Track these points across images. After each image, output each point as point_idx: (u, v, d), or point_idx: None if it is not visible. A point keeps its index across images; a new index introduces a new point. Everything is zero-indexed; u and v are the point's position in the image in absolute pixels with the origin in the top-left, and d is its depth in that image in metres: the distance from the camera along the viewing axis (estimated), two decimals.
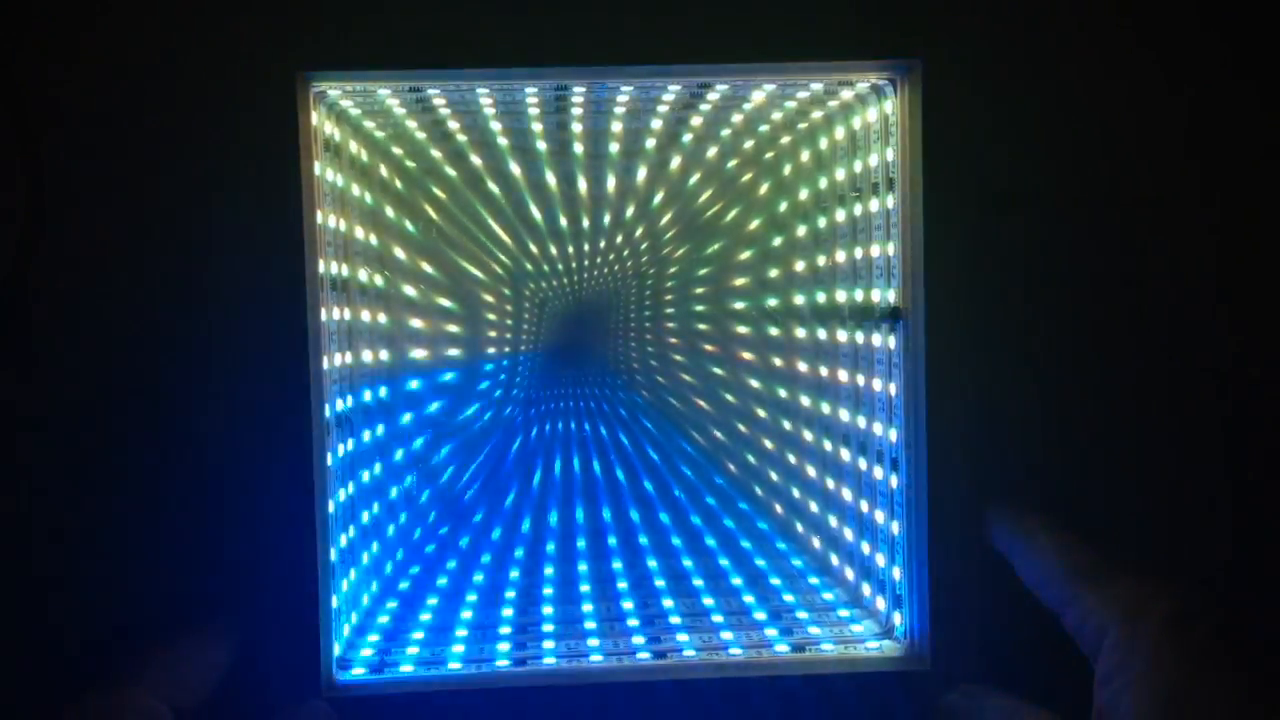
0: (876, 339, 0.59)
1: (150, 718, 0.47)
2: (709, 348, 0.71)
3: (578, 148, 0.67)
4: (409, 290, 0.67)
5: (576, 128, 0.64)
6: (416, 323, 0.67)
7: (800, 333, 0.68)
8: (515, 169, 0.67)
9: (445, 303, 0.68)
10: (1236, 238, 0.59)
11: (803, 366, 0.68)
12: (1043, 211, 0.57)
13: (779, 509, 0.72)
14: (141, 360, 0.56)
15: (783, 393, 0.70)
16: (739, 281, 0.70)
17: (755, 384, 0.71)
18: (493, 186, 0.67)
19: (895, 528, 0.58)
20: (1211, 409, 0.59)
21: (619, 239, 0.69)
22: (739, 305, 0.70)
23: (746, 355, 0.71)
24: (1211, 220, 0.59)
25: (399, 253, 0.66)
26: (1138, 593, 0.47)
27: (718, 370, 0.72)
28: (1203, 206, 0.59)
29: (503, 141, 0.66)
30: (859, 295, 0.61)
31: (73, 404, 0.56)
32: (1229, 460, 0.60)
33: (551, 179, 0.68)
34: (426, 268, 0.67)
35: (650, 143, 0.67)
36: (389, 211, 0.66)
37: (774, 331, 0.70)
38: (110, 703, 0.47)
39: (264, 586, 0.53)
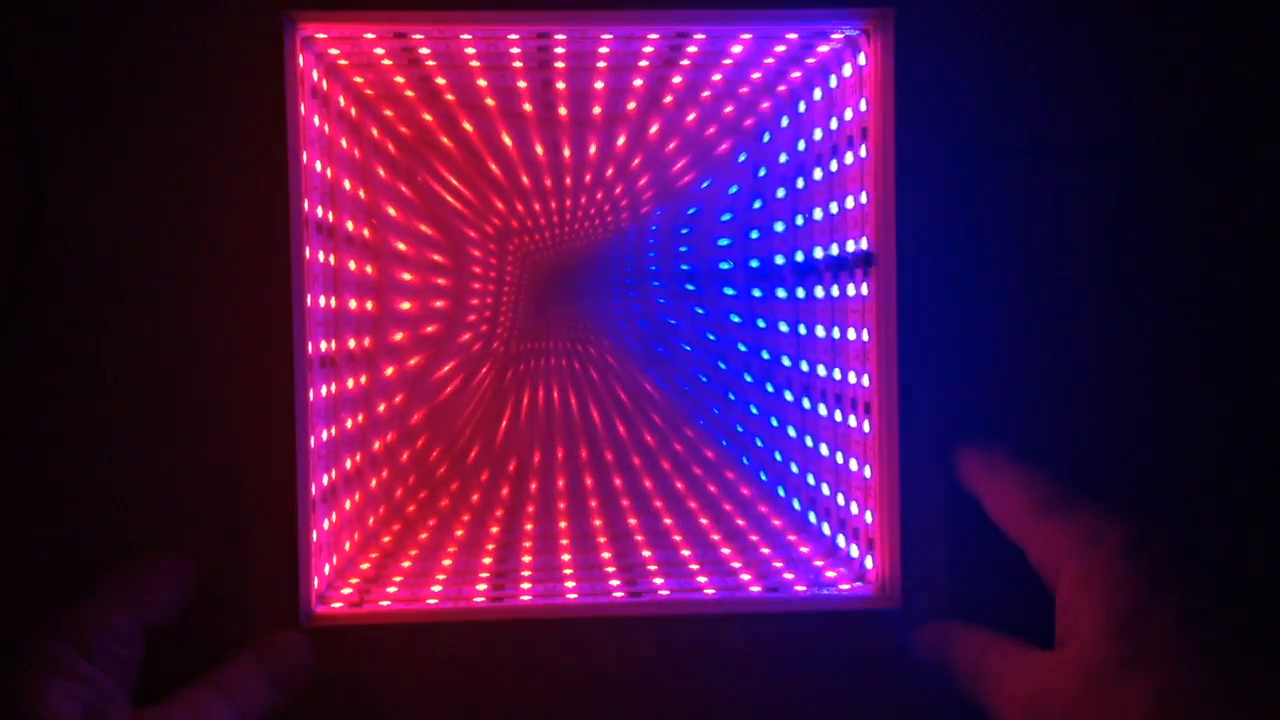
0: (851, 289, 0.60)
1: (116, 633, 0.48)
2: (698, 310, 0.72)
3: (562, 109, 0.68)
4: (399, 244, 0.68)
5: (560, 86, 0.66)
6: (405, 276, 0.69)
7: (781, 293, 0.69)
8: (503, 131, 0.69)
9: (436, 257, 0.70)
10: (1203, 183, 0.60)
11: (784, 327, 0.69)
12: (1012, 159, 0.58)
13: (763, 475, 0.72)
14: (128, 292, 0.57)
15: (765, 354, 0.71)
16: (721, 242, 0.72)
17: (742, 346, 0.72)
18: (477, 144, 0.69)
19: (868, 472, 0.58)
20: (1181, 350, 0.60)
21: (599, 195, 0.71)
22: (724, 265, 0.72)
23: (733, 317, 0.72)
24: (1179, 167, 0.60)
25: (390, 210, 0.68)
26: (1095, 521, 0.48)
27: (708, 335, 0.73)
28: (1171, 155, 0.60)
29: (490, 102, 0.67)
30: (835, 249, 0.62)
31: (63, 330, 0.58)
32: (1199, 399, 0.60)
33: (536, 140, 0.69)
34: (415, 223, 0.69)
35: (631, 105, 0.68)
36: (380, 171, 0.67)
37: (757, 293, 0.71)
38: (75, 618, 0.48)
39: (244, 517, 0.54)
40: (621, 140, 0.69)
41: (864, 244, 0.58)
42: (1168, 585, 0.45)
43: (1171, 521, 0.48)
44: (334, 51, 0.59)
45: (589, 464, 0.74)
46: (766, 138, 0.70)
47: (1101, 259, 0.60)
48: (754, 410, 0.73)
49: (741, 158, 0.71)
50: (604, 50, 0.60)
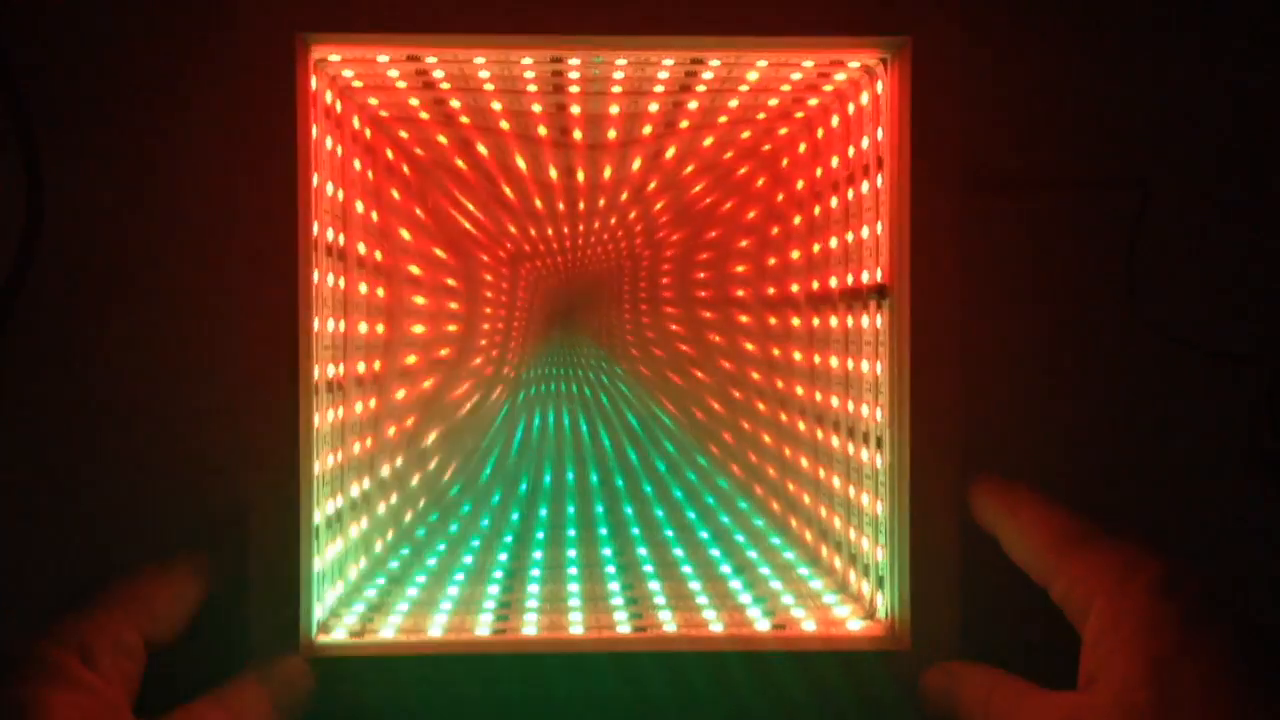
0: (865, 320, 0.59)
1: (119, 644, 0.48)
2: (716, 338, 0.72)
3: (577, 133, 0.68)
4: (411, 267, 0.68)
5: (575, 109, 0.65)
6: (418, 299, 0.68)
7: (795, 321, 0.69)
8: (517, 154, 0.68)
9: (448, 281, 0.69)
10: (1220, 213, 0.60)
11: (798, 356, 0.68)
12: (1028, 191, 0.58)
13: (775, 506, 0.71)
14: (135, 312, 0.57)
15: (780, 383, 0.70)
16: (739, 269, 0.71)
17: (756, 375, 0.72)
18: (491, 167, 0.68)
19: (879, 508, 0.57)
20: (1197, 385, 0.59)
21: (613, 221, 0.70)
22: (740, 293, 0.71)
23: (748, 346, 0.72)
24: (1195, 198, 0.59)
25: (403, 232, 0.67)
26: (1124, 558, 0.47)
27: (724, 362, 0.72)
28: (1187, 186, 0.59)
29: (504, 125, 0.67)
30: (850, 279, 0.61)
31: (68, 351, 0.58)
32: (1213, 434, 0.59)
33: (550, 163, 0.69)
34: (428, 246, 0.69)
35: (647, 129, 0.67)
36: (394, 193, 0.67)
37: (772, 321, 0.70)
38: (80, 629, 0.48)
39: (246, 539, 0.54)
40: (637, 164, 0.68)
41: (879, 275, 0.57)
42: (1202, 628, 0.44)
43: (1198, 560, 0.47)
44: (348, 74, 0.58)
45: (600, 490, 0.73)
46: (784, 163, 0.69)
47: (1118, 292, 0.59)
48: (767, 440, 0.72)
49: (760, 182, 0.70)
50: (619, 75, 0.59)
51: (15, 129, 0.57)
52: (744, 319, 0.71)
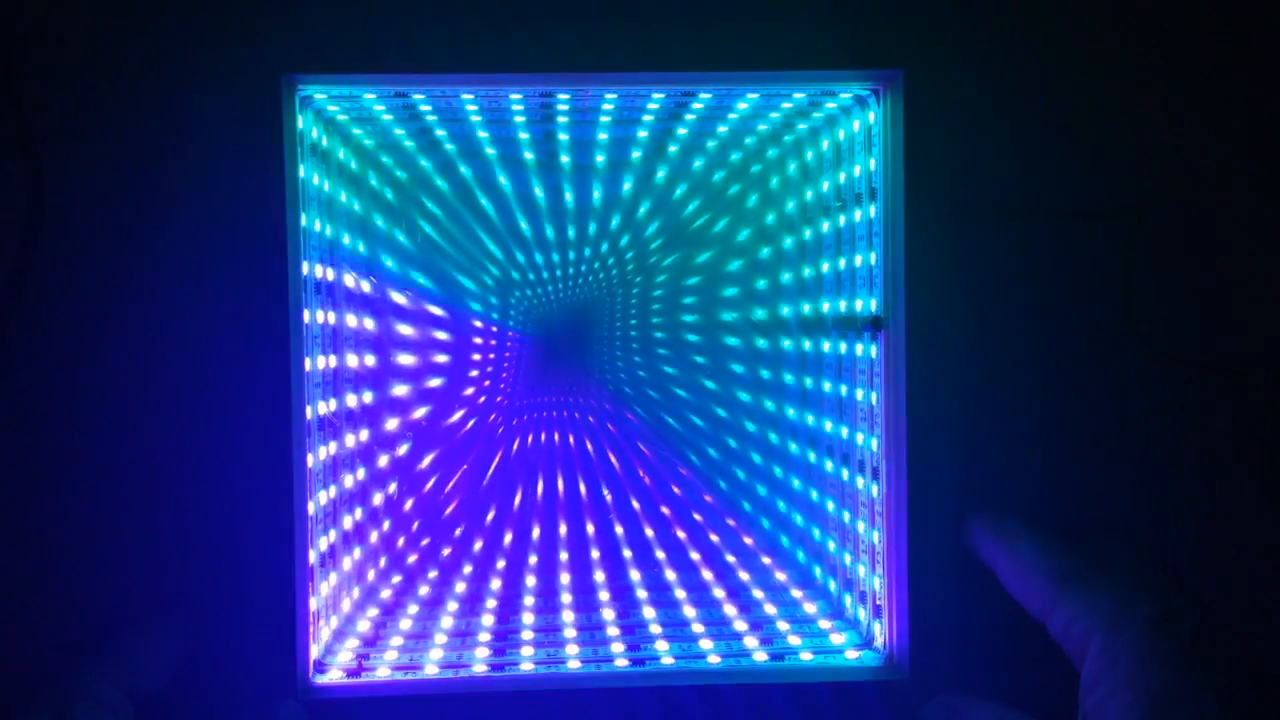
0: (859, 349, 0.59)
1: (100, 703, 0.48)
2: (698, 359, 0.71)
3: (564, 158, 0.67)
4: (397, 297, 0.67)
5: (563, 137, 0.65)
6: (404, 329, 0.68)
7: (786, 343, 0.68)
8: (502, 179, 0.68)
9: (434, 310, 0.69)
10: (1215, 243, 0.60)
11: (789, 378, 0.68)
12: (1022, 220, 0.58)
13: (765, 523, 0.71)
14: (124, 358, 0.56)
15: (769, 405, 0.70)
16: (728, 292, 0.71)
17: (744, 397, 0.71)
18: (480, 195, 0.68)
19: (876, 538, 0.58)
20: (1195, 414, 0.59)
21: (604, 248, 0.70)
22: (727, 317, 0.71)
23: (736, 368, 0.71)
24: (1191, 226, 0.59)
25: (388, 261, 0.67)
26: (1119, 597, 0.48)
27: (708, 384, 0.72)
28: (1181, 214, 0.59)
29: (490, 151, 0.66)
30: (842, 305, 0.61)
31: (56, 400, 0.57)
32: (1212, 464, 0.60)
33: (538, 189, 0.68)
34: (415, 275, 0.68)
35: (636, 154, 0.67)
36: (379, 221, 0.66)
37: (761, 343, 0.70)
38: (58, 691, 0.47)
39: (240, 585, 0.53)
40: (628, 186, 0.68)
41: (873, 305, 0.57)
42: (1197, 667, 0.45)
43: (1195, 597, 0.48)
44: (334, 108, 0.58)
45: (590, 507, 0.73)
46: (774, 184, 0.69)
47: (1114, 323, 0.59)
48: (756, 459, 0.72)
49: (752, 201, 0.70)
50: (608, 106, 0.59)
51: (26, 187, 0.56)
52: (731, 340, 0.71)
